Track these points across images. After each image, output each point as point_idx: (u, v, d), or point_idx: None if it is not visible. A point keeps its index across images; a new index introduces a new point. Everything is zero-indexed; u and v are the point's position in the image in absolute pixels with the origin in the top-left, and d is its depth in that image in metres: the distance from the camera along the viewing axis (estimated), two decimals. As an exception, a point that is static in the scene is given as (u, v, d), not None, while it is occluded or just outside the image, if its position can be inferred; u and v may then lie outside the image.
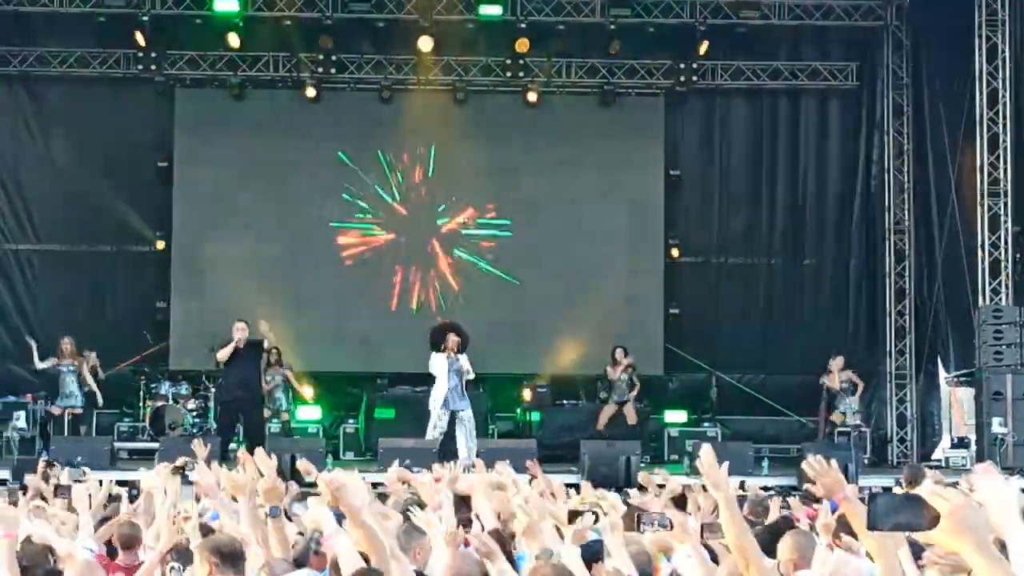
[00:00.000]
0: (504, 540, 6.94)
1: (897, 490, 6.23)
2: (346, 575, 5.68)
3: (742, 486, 12.59)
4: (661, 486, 10.97)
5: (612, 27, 22.63)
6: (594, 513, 7.51)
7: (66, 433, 20.46)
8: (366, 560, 5.65)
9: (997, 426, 19.54)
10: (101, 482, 10.51)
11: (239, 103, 23.40)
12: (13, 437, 20.39)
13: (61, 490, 10.08)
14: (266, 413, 20.67)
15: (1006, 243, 20.39)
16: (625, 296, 23.41)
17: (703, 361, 23.20)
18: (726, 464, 5.16)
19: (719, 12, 22.76)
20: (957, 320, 21.96)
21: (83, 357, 20.97)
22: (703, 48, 22.99)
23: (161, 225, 23.33)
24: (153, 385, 21.72)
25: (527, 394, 22.68)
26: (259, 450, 7.91)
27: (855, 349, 23.25)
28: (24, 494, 11.42)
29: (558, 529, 7.03)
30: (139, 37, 22.48)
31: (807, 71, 23.74)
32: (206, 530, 7.61)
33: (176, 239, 23.22)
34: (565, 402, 22.92)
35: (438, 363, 18.83)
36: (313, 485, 11.54)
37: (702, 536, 6.69)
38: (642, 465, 17.93)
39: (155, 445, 19.29)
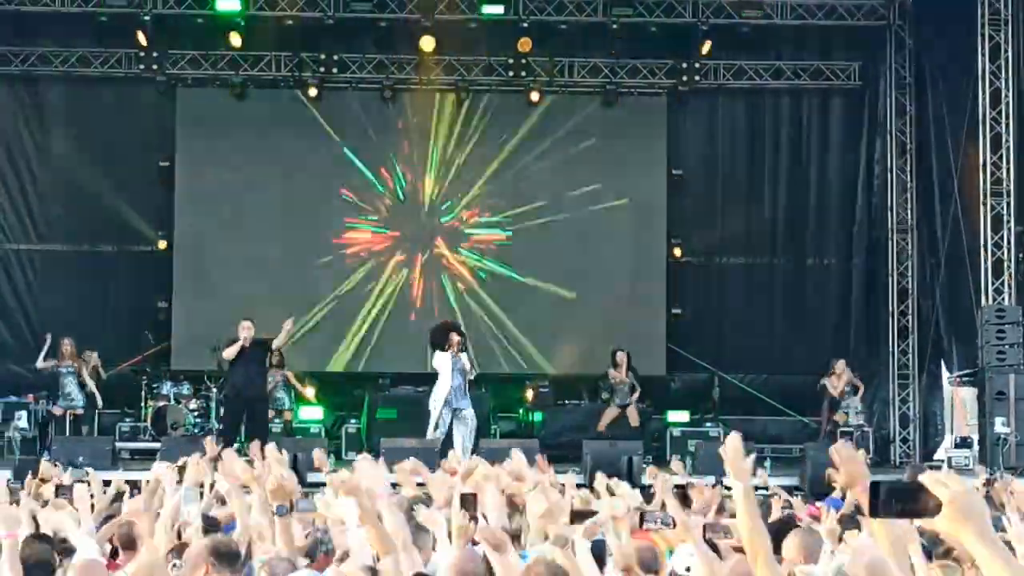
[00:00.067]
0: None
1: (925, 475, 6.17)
2: (353, 568, 5.72)
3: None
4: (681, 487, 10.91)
5: (614, 27, 22.62)
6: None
7: (68, 433, 20.47)
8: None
9: (1000, 426, 19.52)
10: (110, 482, 10.53)
11: (241, 103, 23.39)
12: (15, 437, 20.39)
13: (62, 490, 10.05)
14: (269, 413, 20.66)
15: (1009, 243, 20.36)
16: (627, 296, 23.40)
17: (705, 361, 23.18)
18: (752, 456, 5.13)
19: (721, 12, 22.75)
20: (960, 320, 21.93)
21: (83, 359, 20.97)
22: (705, 48, 22.98)
23: (163, 225, 23.32)
24: (155, 385, 21.71)
25: (529, 394, 22.67)
26: (271, 445, 7.93)
27: (857, 349, 23.24)
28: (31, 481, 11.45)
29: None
30: (141, 37, 22.46)
31: (810, 71, 23.73)
32: (209, 523, 7.61)
33: (178, 239, 23.21)
34: (567, 402, 22.92)
35: (443, 361, 18.80)
36: (315, 485, 11.54)
37: (704, 535, 6.66)
38: (644, 465, 17.90)
39: (157, 445, 19.29)
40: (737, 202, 24.08)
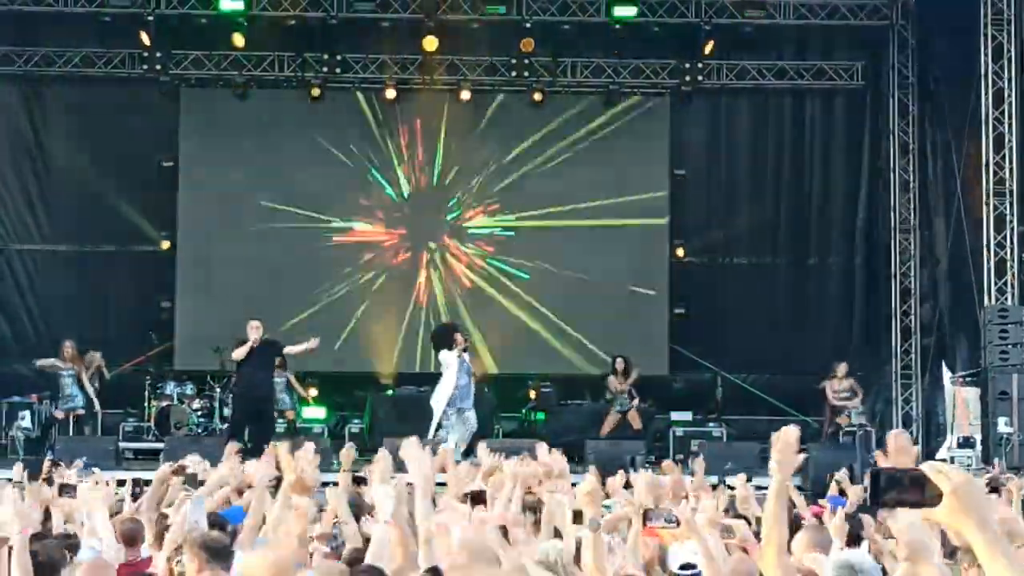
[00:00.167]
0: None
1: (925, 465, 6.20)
2: (366, 560, 5.77)
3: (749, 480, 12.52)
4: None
5: (617, 27, 22.63)
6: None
7: (71, 433, 20.50)
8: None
9: (1003, 426, 19.53)
10: (123, 482, 10.55)
11: (244, 103, 23.40)
12: (18, 437, 20.43)
13: (67, 489, 10.06)
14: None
15: (1012, 243, 20.35)
16: (630, 296, 23.40)
17: (708, 361, 23.17)
18: (802, 456, 5.13)
19: (724, 12, 22.77)
20: (962, 320, 21.94)
21: (84, 362, 20.96)
22: (708, 48, 22.99)
23: (166, 225, 23.34)
24: (158, 385, 21.72)
25: (532, 394, 22.68)
26: (281, 444, 7.92)
27: (860, 349, 23.25)
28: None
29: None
30: (144, 37, 22.48)
31: (812, 71, 23.73)
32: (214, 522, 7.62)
33: (181, 239, 23.23)
34: (570, 402, 22.92)
35: (451, 361, 18.81)
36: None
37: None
38: (646, 465, 17.91)
39: (160, 445, 19.30)
40: (740, 202, 24.09)
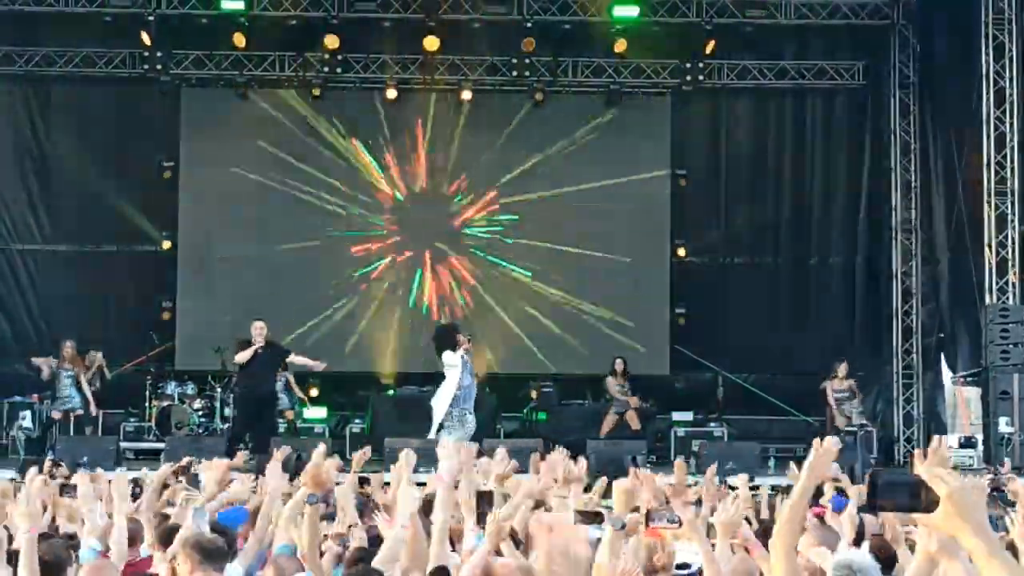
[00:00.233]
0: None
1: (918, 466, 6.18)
2: (374, 561, 5.82)
3: (751, 481, 12.52)
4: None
5: (618, 26, 22.62)
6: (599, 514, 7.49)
7: (72, 433, 20.50)
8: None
9: (1004, 425, 19.53)
10: (136, 481, 10.56)
11: (245, 103, 23.40)
12: (19, 437, 20.43)
13: (67, 489, 10.07)
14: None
15: (1013, 242, 20.34)
16: (631, 296, 23.40)
17: (709, 361, 23.16)
18: (836, 467, 5.12)
19: (725, 11, 22.78)
20: (963, 319, 21.93)
21: (84, 362, 20.93)
22: (709, 47, 22.99)
23: (167, 225, 23.34)
24: (159, 385, 21.72)
25: (533, 393, 22.68)
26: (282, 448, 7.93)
27: (861, 348, 23.24)
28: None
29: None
30: (145, 37, 22.47)
31: (813, 70, 23.73)
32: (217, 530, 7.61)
33: (182, 239, 23.23)
34: (571, 402, 22.91)
35: (455, 362, 18.81)
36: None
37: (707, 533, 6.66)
38: (647, 465, 17.91)
39: (161, 445, 19.31)
40: (741, 202, 24.09)
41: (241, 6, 22.16)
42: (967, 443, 21.80)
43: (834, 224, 24.07)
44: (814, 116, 24.11)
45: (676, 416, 22.14)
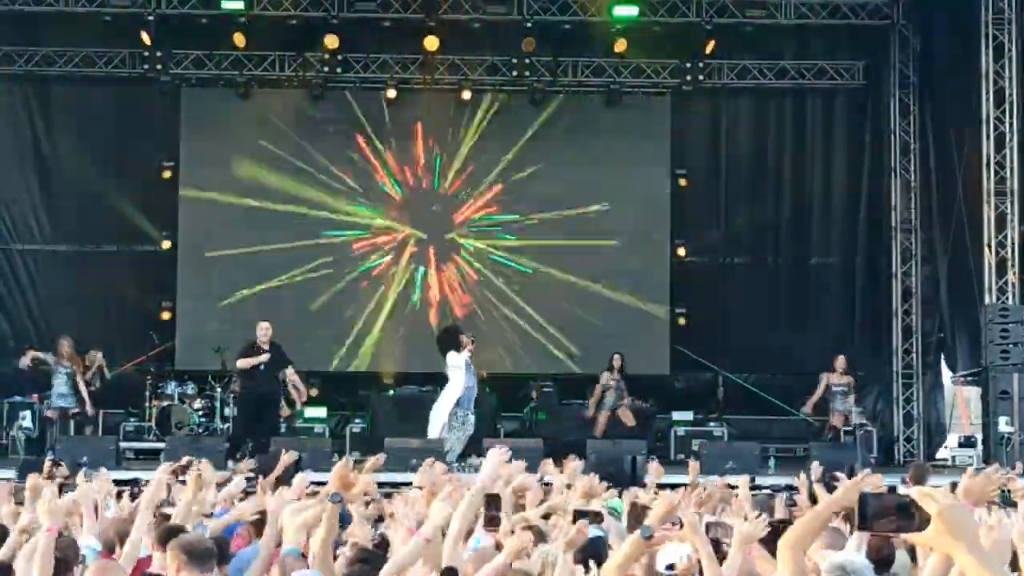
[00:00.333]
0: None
1: (902, 488, 6.21)
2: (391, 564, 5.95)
3: (752, 482, 12.53)
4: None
5: (618, 26, 22.62)
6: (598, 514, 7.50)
7: (72, 433, 20.49)
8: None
9: (1004, 425, 19.53)
10: (137, 480, 10.56)
11: (245, 102, 23.40)
12: (19, 436, 20.42)
13: (67, 489, 10.06)
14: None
15: (1013, 242, 20.34)
16: (631, 296, 23.40)
17: (709, 360, 23.17)
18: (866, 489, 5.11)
19: (725, 11, 22.78)
20: (963, 319, 21.94)
21: (83, 361, 20.89)
22: (709, 47, 22.99)
23: (167, 225, 23.33)
24: (159, 385, 21.72)
25: (533, 393, 22.69)
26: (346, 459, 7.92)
27: (861, 348, 23.24)
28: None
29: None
30: (145, 36, 22.47)
31: (813, 70, 23.73)
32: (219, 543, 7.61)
33: (182, 239, 23.23)
34: (571, 401, 22.91)
35: (459, 362, 18.83)
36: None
37: (708, 533, 6.65)
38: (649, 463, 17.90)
39: (161, 445, 19.31)
40: (741, 202, 24.09)
41: (241, 5, 22.17)
42: (967, 443, 21.82)
43: (834, 224, 24.07)
44: (814, 116, 24.12)
45: (676, 416, 22.17)
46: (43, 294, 23.31)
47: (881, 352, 23.49)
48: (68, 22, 22.81)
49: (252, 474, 12.75)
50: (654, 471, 12.43)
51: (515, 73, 23.37)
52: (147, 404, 21.63)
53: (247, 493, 10.29)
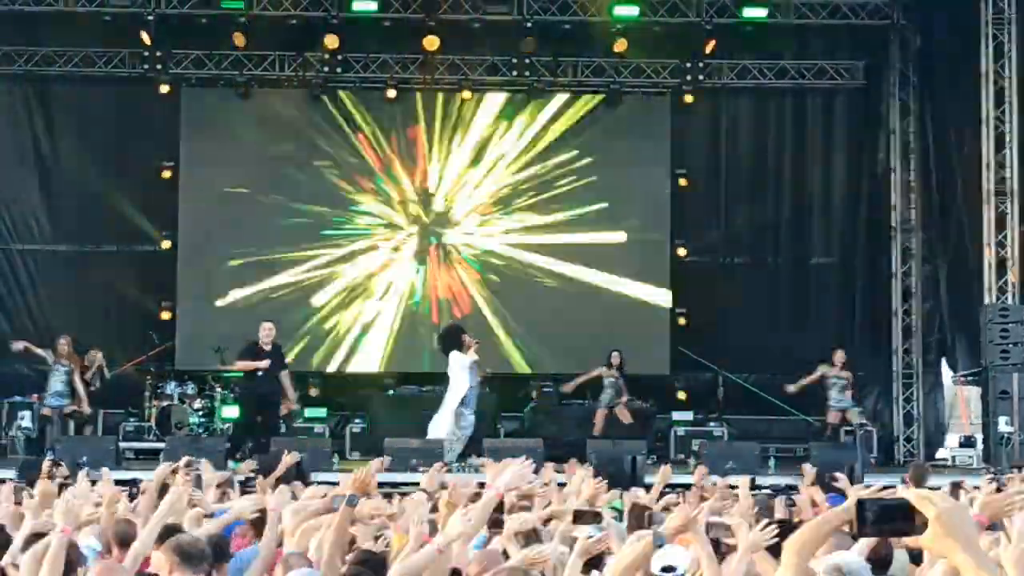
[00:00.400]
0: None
1: (901, 488, 6.22)
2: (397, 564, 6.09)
3: (753, 483, 12.54)
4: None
5: (618, 26, 22.62)
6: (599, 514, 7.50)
7: (72, 433, 20.48)
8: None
9: (1004, 425, 19.53)
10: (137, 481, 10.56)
11: (245, 102, 23.39)
12: (18, 436, 20.41)
13: (66, 489, 10.06)
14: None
15: (1013, 241, 20.34)
16: (632, 296, 23.40)
17: (709, 360, 23.15)
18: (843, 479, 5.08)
19: (725, 11, 22.77)
20: (963, 319, 21.93)
21: (82, 361, 20.86)
22: (709, 47, 22.98)
23: (167, 225, 23.31)
24: (159, 385, 21.72)
25: (533, 393, 22.68)
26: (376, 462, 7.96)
27: (861, 348, 23.22)
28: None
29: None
30: (145, 36, 22.46)
31: (814, 70, 23.72)
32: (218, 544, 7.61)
33: (182, 239, 23.21)
34: (571, 402, 22.91)
35: (463, 363, 18.83)
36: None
37: (708, 533, 6.64)
38: (649, 463, 17.92)
39: (161, 445, 19.30)
40: (741, 202, 24.08)
41: (240, 5, 22.16)
42: (967, 443, 21.82)
43: (834, 224, 24.06)
44: (814, 116, 24.10)
45: (676, 416, 22.16)
46: (43, 294, 23.30)
47: (881, 352, 23.48)
48: (68, 22, 22.80)
49: (253, 474, 12.76)
50: (663, 474, 12.42)
51: (515, 73, 23.37)
52: (147, 404, 21.63)
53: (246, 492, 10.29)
